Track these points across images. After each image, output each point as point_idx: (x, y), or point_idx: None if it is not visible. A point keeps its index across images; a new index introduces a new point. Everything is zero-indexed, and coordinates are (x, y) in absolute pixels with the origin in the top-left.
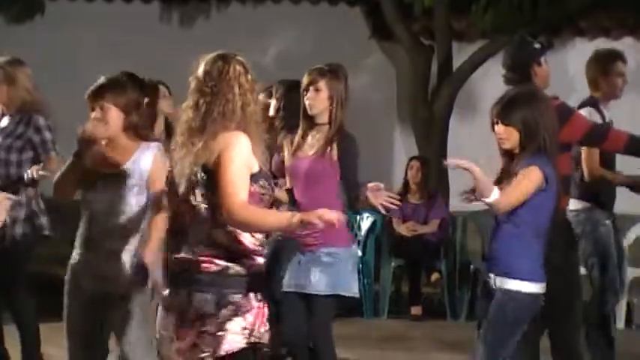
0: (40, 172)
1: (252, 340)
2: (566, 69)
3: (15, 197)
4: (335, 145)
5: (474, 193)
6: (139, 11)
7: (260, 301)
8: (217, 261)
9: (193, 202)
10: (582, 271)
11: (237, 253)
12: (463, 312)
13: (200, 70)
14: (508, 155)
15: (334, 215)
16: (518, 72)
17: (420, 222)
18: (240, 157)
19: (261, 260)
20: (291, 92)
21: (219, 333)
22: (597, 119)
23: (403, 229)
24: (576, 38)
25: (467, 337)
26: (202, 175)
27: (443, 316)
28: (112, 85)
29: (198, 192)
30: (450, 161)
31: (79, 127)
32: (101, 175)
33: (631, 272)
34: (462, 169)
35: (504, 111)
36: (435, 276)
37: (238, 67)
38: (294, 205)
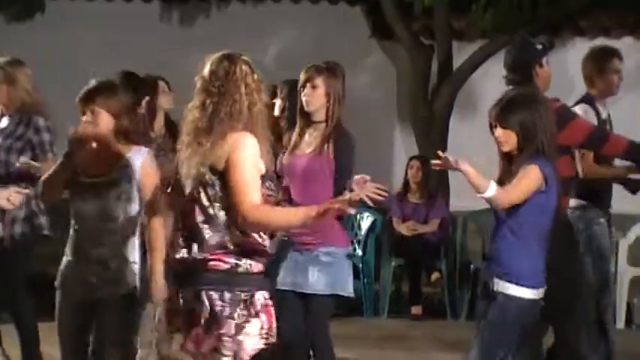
0: (23, 159)
1: (269, 340)
2: (566, 69)
3: (26, 191)
4: (332, 143)
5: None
6: (139, 10)
7: (268, 299)
8: (226, 259)
9: (203, 203)
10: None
11: (245, 252)
12: (463, 312)
13: (206, 70)
14: (507, 158)
15: (346, 203)
16: (519, 73)
17: (420, 221)
18: (250, 158)
19: (268, 260)
20: (296, 92)
21: (240, 337)
22: (592, 116)
23: (403, 228)
24: (576, 38)
25: (467, 337)
26: (211, 175)
27: (443, 316)
28: (102, 89)
29: (207, 192)
30: (435, 162)
31: (70, 128)
32: (90, 182)
33: (631, 272)
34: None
35: (502, 114)
36: (435, 276)
37: (245, 67)
38: (290, 203)
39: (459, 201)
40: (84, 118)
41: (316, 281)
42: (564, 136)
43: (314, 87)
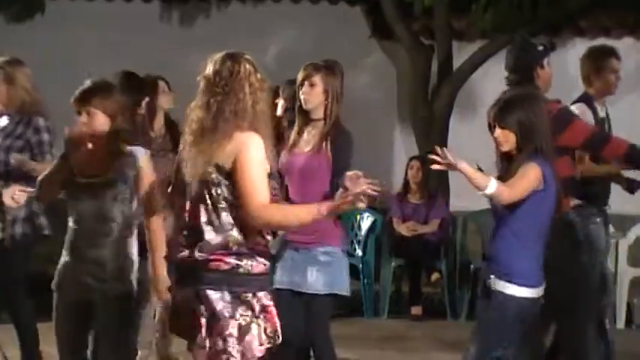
0: (15, 156)
1: (275, 341)
2: (566, 69)
3: (31, 189)
4: (330, 141)
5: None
6: (139, 10)
7: (270, 299)
8: (227, 259)
9: (208, 202)
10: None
11: (246, 252)
12: (463, 312)
13: (209, 70)
14: (506, 157)
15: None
16: (520, 74)
17: (420, 222)
18: (258, 158)
19: (269, 260)
20: None
21: (247, 338)
22: (590, 116)
23: (403, 228)
24: (576, 38)
25: (467, 337)
26: (217, 175)
27: (443, 316)
28: (97, 90)
29: (213, 192)
30: (433, 157)
31: (66, 129)
32: (86, 183)
33: (631, 273)
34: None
35: (500, 114)
36: (435, 276)
37: (248, 66)
38: (287, 201)
39: (459, 201)
40: (80, 119)
41: (315, 281)
42: (566, 138)
43: (312, 85)
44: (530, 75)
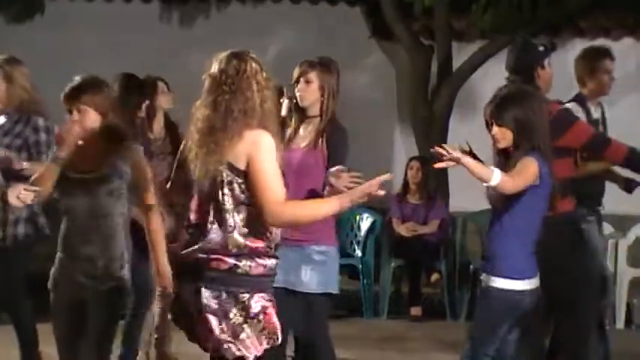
0: (2, 151)
1: (274, 342)
2: (566, 69)
3: (36, 189)
4: (326, 137)
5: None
6: (139, 11)
7: (269, 300)
8: (227, 259)
9: (220, 201)
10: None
11: (248, 253)
12: (463, 312)
13: (215, 69)
14: (503, 154)
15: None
16: (521, 74)
17: (419, 222)
18: (271, 157)
19: (270, 261)
20: None
21: (243, 337)
22: (582, 116)
23: (403, 229)
24: (576, 38)
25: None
26: (229, 173)
27: (443, 317)
28: (87, 86)
29: (224, 191)
30: (437, 151)
31: (56, 128)
32: (79, 179)
33: (631, 273)
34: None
35: (497, 111)
36: (434, 276)
37: (254, 65)
38: None
39: (459, 202)
40: (72, 116)
41: (309, 280)
42: (567, 139)
43: (307, 82)
44: (531, 75)
